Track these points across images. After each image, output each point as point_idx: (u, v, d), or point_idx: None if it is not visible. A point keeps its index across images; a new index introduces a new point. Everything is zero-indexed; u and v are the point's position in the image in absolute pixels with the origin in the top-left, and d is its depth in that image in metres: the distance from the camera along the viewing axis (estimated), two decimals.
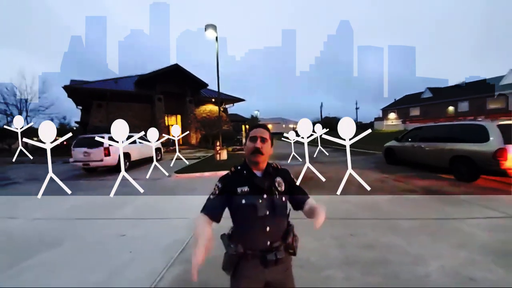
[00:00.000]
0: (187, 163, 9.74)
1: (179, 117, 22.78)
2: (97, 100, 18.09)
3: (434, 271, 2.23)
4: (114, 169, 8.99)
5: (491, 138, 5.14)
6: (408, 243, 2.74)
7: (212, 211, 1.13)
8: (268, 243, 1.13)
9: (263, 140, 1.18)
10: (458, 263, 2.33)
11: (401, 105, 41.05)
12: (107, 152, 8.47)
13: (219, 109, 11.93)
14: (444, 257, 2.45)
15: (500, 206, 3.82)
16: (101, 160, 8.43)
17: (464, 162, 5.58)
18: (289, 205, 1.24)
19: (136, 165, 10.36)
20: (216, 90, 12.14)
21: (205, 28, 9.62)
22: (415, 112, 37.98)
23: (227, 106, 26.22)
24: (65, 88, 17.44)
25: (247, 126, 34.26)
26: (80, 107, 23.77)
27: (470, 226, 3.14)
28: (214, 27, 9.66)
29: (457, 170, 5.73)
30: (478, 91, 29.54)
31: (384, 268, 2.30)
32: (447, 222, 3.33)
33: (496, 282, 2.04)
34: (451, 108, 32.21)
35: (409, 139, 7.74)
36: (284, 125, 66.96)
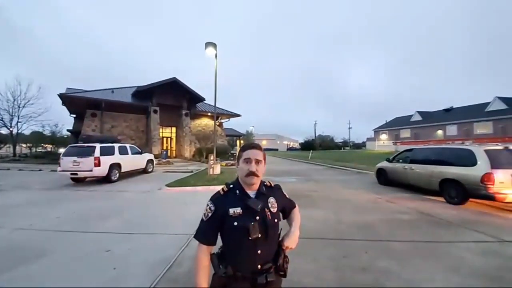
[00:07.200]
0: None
1: (174, 129, 22.72)
2: (92, 109, 17.94)
3: None
4: (103, 180, 8.78)
5: (478, 162, 5.27)
6: (402, 267, 2.71)
7: (206, 237, 1.15)
8: (259, 265, 1.11)
9: (258, 162, 1.17)
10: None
11: (392, 127, 42.24)
12: (98, 162, 8.29)
13: (215, 123, 11.97)
14: (437, 281, 2.42)
15: (490, 230, 3.85)
16: (91, 170, 8.21)
17: (453, 185, 5.67)
18: (280, 225, 1.22)
19: (126, 176, 10.14)
20: (212, 104, 12.29)
21: (205, 46, 9.91)
22: (406, 134, 39.03)
23: (222, 120, 26.37)
24: (60, 96, 17.30)
25: (241, 141, 34.29)
26: (74, 115, 23.47)
27: (461, 249, 3.14)
28: (214, 45, 9.96)
29: (447, 193, 5.80)
30: (466, 116, 30.79)
31: None
32: (439, 245, 3.33)
33: None
34: (440, 132, 33.26)
35: (400, 160, 7.87)
36: (278, 142, 67.40)
